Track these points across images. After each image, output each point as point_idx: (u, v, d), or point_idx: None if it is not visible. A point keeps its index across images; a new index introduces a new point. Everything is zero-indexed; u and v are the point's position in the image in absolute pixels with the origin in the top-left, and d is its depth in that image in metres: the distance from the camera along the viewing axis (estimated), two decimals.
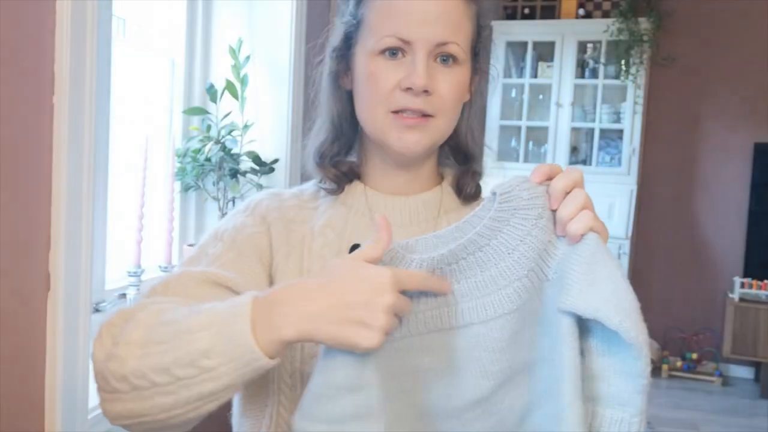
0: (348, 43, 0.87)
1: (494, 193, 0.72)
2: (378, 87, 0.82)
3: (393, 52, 0.81)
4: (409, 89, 0.80)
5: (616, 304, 0.63)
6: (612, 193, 4.34)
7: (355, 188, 0.91)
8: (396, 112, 0.82)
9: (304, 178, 0.99)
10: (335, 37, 0.89)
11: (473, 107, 0.91)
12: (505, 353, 0.70)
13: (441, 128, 0.84)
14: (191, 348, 0.63)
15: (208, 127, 1.87)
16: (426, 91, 0.80)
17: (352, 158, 0.93)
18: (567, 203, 0.68)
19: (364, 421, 0.66)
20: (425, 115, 0.82)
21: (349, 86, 0.89)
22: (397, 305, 0.65)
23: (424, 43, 0.80)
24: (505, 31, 4.47)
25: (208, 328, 0.64)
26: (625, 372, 0.65)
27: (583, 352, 0.67)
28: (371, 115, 0.84)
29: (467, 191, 0.92)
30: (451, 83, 0.82)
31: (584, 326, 0.67)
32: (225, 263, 0.82)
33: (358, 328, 0.63)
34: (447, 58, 0.82)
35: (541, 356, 0.70)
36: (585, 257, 0.67)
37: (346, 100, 0.90)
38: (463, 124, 0.90)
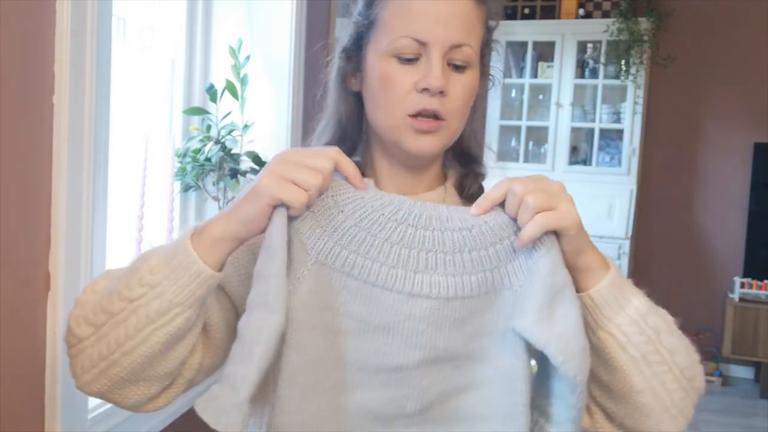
0: (358, 44, 0.87)
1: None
2: (394, 90, 0.81)
3: (408, 57, 0.81)
4: (425, 90, 0.80)
5: (564, 343, 0.71)
6: (612, 193, 4.34)
7: None
8: (413, 115, 0.81)
9: None
10: (345, 38, 0.89)
11: (477, 110, 0.92)
12: (444, 333, 0.75)
13: (452, 131, 0.85)
14: (142, 270, 0.72)
15: (208, 127, 1.87)
16: (442, 92, 0.80)
17: (356, 159, 0.93)
18: (521, 211, 0.73)
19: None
20: (438, 118, 0.82)
21: (357, 87, 0.89)
22: (282, 171, 0.72)
23: (440, 44, 0.80)
24: (505, 31, 4.47)
25: (158, 253, 0.74)
26: (564, 400, 0.74)
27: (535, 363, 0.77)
28: (387, 118, 0.83)
29: (470, 191, 0.92)
30: (463, 87, 0.83)
31: None
32: None
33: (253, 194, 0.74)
34: (459, 65, 0.82)
35: (479, 356, 0.77)
36: (549, 289, 0.72)
37: (354, 101, 0.90)
38: (468, 127, 0.91)
